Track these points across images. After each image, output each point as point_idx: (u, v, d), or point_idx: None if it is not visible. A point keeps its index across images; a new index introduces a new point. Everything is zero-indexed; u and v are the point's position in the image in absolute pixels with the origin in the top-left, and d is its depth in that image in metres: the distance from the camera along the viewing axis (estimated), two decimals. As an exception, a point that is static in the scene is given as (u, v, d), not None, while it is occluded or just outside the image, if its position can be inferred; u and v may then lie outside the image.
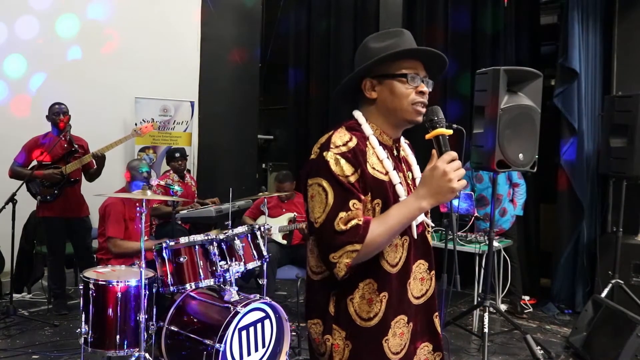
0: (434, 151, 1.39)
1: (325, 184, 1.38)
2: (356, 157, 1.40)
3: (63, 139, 4.29)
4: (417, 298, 1.53)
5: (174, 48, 6.45)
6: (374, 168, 1.43)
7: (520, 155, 3.50)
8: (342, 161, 1.38)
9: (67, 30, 5.69)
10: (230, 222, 3.66)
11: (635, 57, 4.70)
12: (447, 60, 1.51)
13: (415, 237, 1.49)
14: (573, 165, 4.71)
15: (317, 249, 1.46)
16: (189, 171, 5.56)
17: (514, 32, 5.27)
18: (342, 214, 1.35)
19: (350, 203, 1.36)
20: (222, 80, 6.77)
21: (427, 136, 1.41)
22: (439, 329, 1.59)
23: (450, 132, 1.41)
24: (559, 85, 4.74)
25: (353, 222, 1.34)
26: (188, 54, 6.65)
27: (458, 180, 1.33)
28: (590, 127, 4.75)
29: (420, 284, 1.53)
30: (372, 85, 1.48)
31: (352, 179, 1.38)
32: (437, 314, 1.59)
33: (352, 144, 1.41)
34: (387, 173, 1.45)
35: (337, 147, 1.40)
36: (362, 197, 1.39)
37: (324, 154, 1.39)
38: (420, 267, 1.53)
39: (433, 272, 1.58)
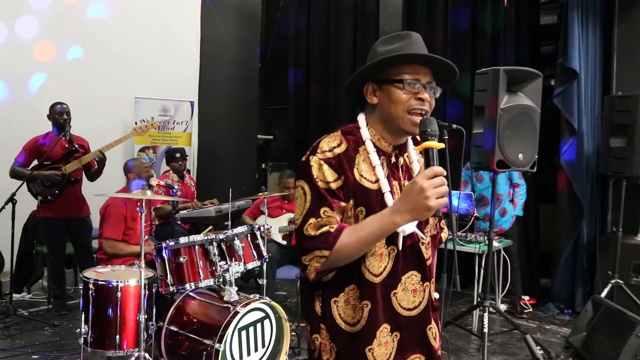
0: (422, 163, 1.36)
1: (306, 187, 1.40)
2: (341, 163, 1.40)
3: (63, 138, 4.29)
4: (409, 310, 1.48)
5: (174, 48, 6.45)
6: (362, 175, 1.42)
7: (520, 155, 3.50)
8: (325, 167, 1.39)
9: (67, 30, 5.70)
10: (230, 222, 3.66)
11: (635, 57, 4.69)
12: (451, 63, 1.42)
13: (400, 248, 1.44)
14: (573, 165, 4.71)
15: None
16: (188, 171, 5.55)
17: (514, 32, 5.27)
18: (312, 220, 1.37)
19: (321, 210, 1.37)
20: (222, 80, 6.77)
21: (417, 148, 1.39)
22: (432, 342, 1.54)
23: (442, 145, 1.35)
24: (558, 85, 4.74)
25: (324, 229, 1.36)
26: (188, 54, 6.64)
27: (437, 198, 1.26)
28: (590, 127, 4.75)
29: (413, 295, 1.48)
30: (373, 90, 1.46)
31: (334, 185, 1.39)
32: (430, 326, 1.54)
33: (338, 150, 1.41)
34: (377, 181, 1.43)
35: (322, 152, 1.41)
36: (342, 203, 1.39)
37: (310, 157, 1.41)
38: (412, 279, 1.48)
39: (428, 283, 1.52)
